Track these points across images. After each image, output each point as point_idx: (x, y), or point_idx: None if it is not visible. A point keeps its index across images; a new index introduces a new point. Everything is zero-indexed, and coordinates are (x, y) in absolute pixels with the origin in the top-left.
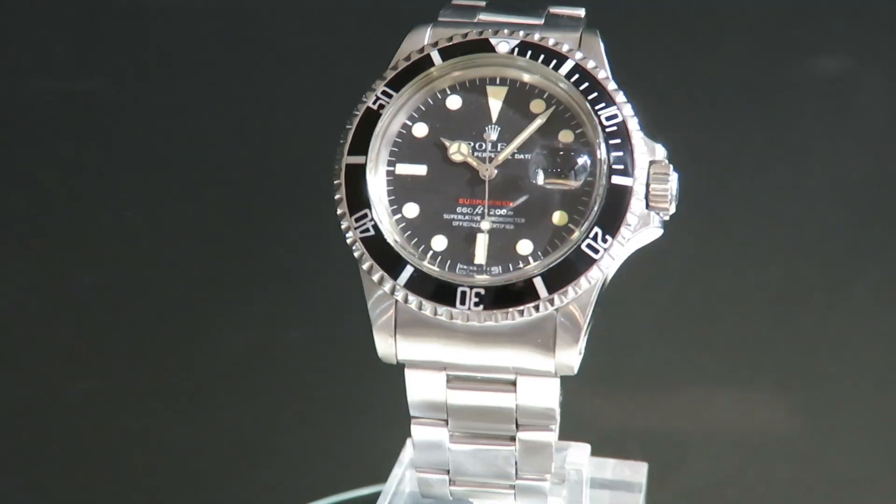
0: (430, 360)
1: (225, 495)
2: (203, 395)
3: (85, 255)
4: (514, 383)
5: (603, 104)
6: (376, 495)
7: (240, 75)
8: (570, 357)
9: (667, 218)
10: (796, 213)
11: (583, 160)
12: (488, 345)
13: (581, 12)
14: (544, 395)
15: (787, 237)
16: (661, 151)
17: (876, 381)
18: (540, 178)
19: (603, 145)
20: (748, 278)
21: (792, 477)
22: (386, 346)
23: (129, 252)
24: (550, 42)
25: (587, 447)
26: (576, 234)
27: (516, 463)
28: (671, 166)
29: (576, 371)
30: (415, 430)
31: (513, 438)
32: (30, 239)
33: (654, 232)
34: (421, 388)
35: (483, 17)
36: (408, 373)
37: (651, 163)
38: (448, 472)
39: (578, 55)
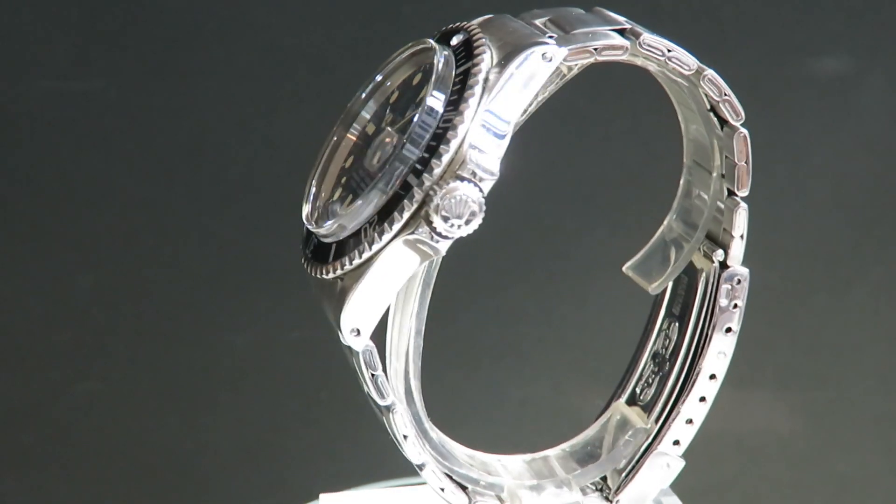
0: None
1: (225, 495)
2: (203, 395)
3: (85, 255)
4: None
5: (451, 108)
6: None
7: (241, 75)
8: (342, 327)
9: (447, 236)
10: (797, 214)
11: (384, 152)
12: (326, 296)
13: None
14: (363, 363)
15: (788, 237)
16: (475, 169)
17: (876, 382)
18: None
19: (419, 144)
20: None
21: (792, 477)
22: None
23: (129, 252)
24: (480, 45)
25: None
26: (365, 217)
27: None
28: (467, 185)
29: (354, 349)
30: None
31: None
32: (30, 239)
33: (428, 247)
34: None
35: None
36: None
37: (457, 177)
38: None
39: (481, 60)
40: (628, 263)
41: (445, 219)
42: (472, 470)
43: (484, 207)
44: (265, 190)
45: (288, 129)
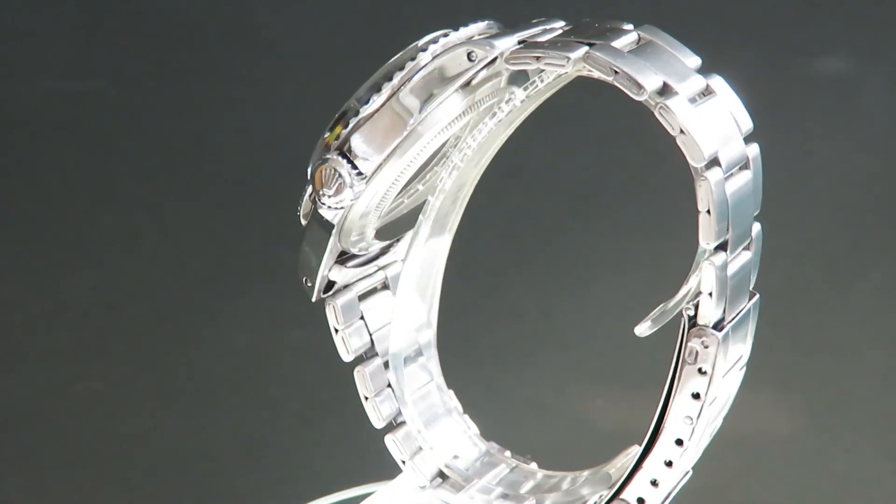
0: None
1: (225, 495)
2: (203, 395)
3: (85, 255)
4: None
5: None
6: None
7: (240, 75)
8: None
9: (324, 204)
10: (797, 213)
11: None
12: None
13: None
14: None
15: (789, 237)
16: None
17: (876, 382)
18: None
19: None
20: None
21: (792, 477)
22: None
23: (129, 252)
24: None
25: None
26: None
27: None
28: (341, 160)
29: (311, 298)
30: None
31: None
32: (30, 239)
33: (322, 217)
34: None
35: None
36: None
37: (341, 153)
38: None
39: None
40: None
41: (320, 188)
42: (451, 460)
43: (355, 183)
44: (265, 190)
45: (288, 128)
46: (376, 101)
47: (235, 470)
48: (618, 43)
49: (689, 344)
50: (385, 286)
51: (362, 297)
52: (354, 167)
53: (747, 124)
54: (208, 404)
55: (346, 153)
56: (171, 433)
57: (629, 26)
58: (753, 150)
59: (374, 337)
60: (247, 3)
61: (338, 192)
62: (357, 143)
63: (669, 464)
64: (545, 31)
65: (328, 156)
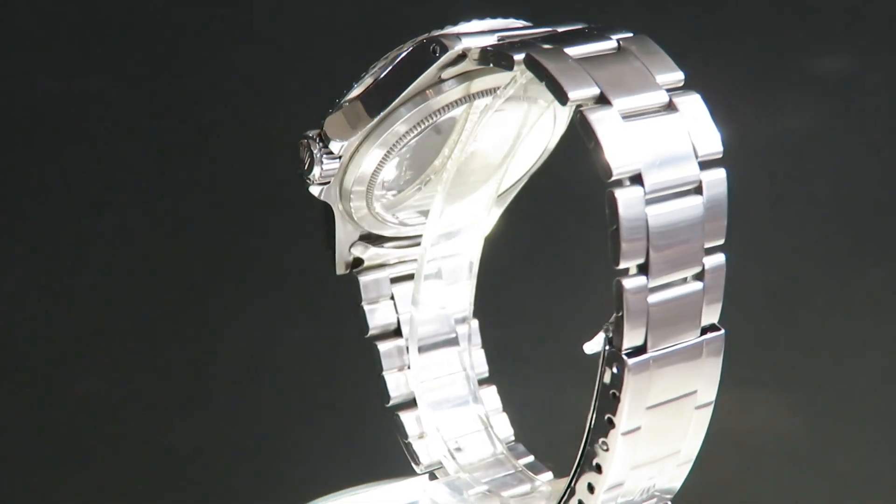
0: None
1: (226, 495)
2: (203, 395)
3: (85, 255)
4: None
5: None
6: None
7: (240, 75)
8: None
9: (304, 179)
10: (797, 213)
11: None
12: None
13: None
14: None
15: (788, 236)
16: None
17: (876, 382)
18: None
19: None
20: (749, 277)
21: (792, 477)
22: None
23: (130, 252)
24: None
25: None
26: None
27: None
28: (315, 141)
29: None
30: None
31: None
32: (30, 239)
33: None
34: None
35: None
36: None
37: (319, 133)
38: None
39: (402, 50)
40: None
41: (297, 163)
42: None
43: (324, 161)
44: (265, 189)
45: (288, 128)
46: (358, 87)
47: (235, 470)
48: (580, 49)
49: (606, 367)
50: (436, 274)
51: (399, 279)
52: (326, 146)
53: (710, 148)
54: (208, 404)
55: (322, 134)
56: (171, 433)
57: (616, 34)
58: (713, 175)
59: (402, 318)
60: (247, 4)
61: (309, 168)
62: (330, 124)
63: (591, 489)
64: (544, 33)
65: (306, 134)
